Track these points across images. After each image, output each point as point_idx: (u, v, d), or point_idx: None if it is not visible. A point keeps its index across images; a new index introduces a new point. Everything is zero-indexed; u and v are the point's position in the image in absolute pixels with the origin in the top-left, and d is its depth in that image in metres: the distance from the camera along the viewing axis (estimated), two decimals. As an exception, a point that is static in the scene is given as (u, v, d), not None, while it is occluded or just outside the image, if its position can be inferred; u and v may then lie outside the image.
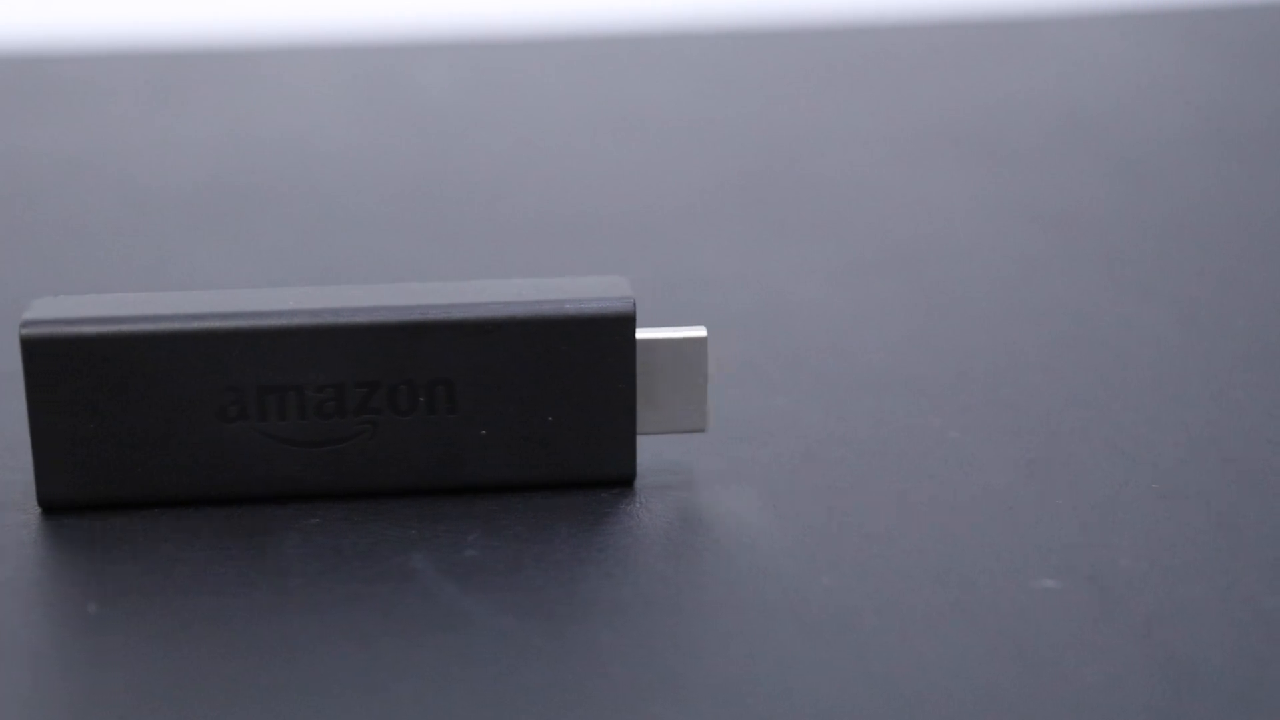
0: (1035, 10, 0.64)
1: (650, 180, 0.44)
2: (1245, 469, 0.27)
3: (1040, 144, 0.47)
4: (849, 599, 0.24)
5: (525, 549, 0.25)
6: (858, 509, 0.26)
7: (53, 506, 0.26)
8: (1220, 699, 0.22)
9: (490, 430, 0.26)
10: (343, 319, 0.26)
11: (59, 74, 0.55)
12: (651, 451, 0.28)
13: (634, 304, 0.26)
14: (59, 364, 0.25)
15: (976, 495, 0.27)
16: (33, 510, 0.26)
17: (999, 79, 0.55)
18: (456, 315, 0.26)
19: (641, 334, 0.26)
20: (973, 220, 0.41)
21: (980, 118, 0.50)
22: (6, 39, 0.59)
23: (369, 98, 0.53)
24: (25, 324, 0.26)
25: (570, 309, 0.26)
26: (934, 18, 0.64)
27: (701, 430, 0.27)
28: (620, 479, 0.27)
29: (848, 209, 0.42)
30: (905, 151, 0.46)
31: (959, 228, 0.40)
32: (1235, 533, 0.26)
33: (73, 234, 0.40)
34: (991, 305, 0.35)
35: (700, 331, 0.27)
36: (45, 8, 0.62)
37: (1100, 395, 0.30)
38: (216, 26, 0.62)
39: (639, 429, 0.27)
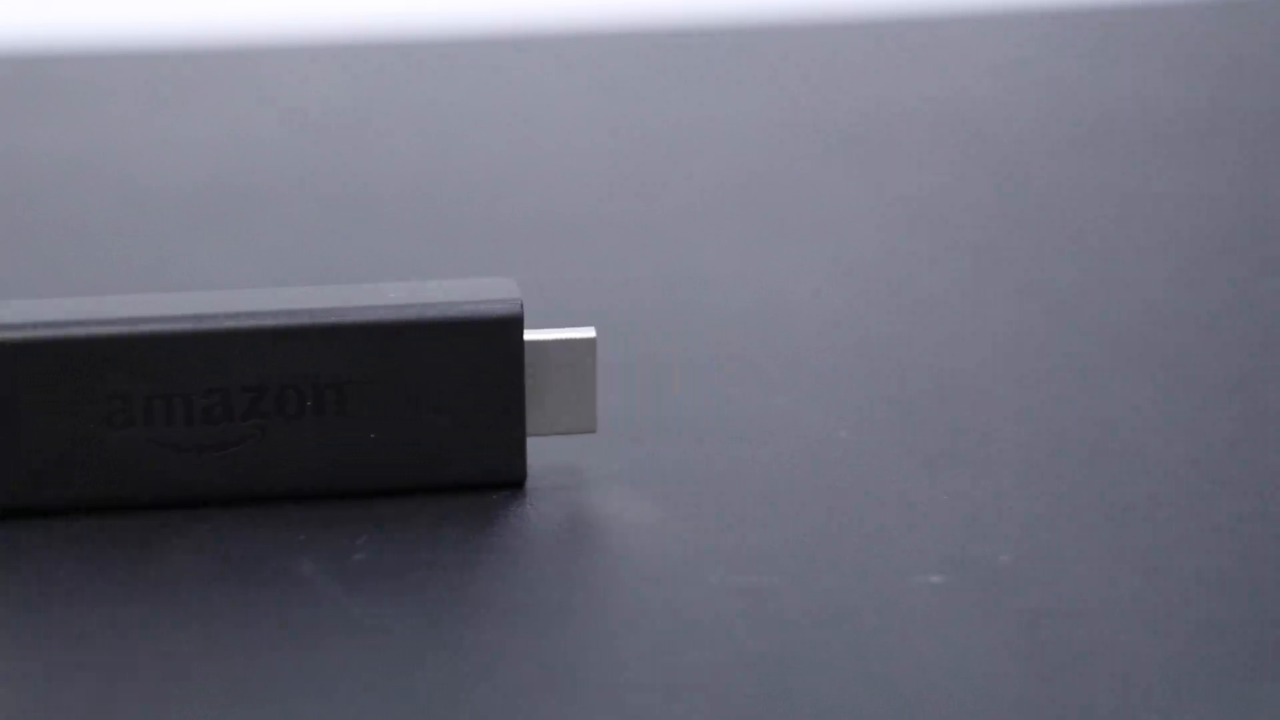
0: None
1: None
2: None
3: (921, 139, 0.47)
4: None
5: (415, 552, 0.25)
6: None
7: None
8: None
9: (380, 433, 0.26)
10: (228, 324, 0.26)
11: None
12: (541, 452, 0.27)
13: (521, 305, 0.26)
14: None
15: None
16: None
17: (916, 78, 0.55)
18: (344, 319, 0.26)
19: (529, 335, 0.26)
20: (854, 217, 0.41)
21: (870, 115, 0.50)
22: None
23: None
24: None
25: (458, 311, 0.26)
26: (849, 17, 0.64)
27: (591, 431, 0.27)
28: (510, 481, 0.27)
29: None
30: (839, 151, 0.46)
31: (847, 224, 0.40)
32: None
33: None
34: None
35: (589, 332, 0.27)
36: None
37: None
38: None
39: (529, 430, 0.27)
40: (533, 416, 0.27)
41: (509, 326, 0.26)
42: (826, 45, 0.60)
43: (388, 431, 0.26)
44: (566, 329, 0.27)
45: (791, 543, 0.25)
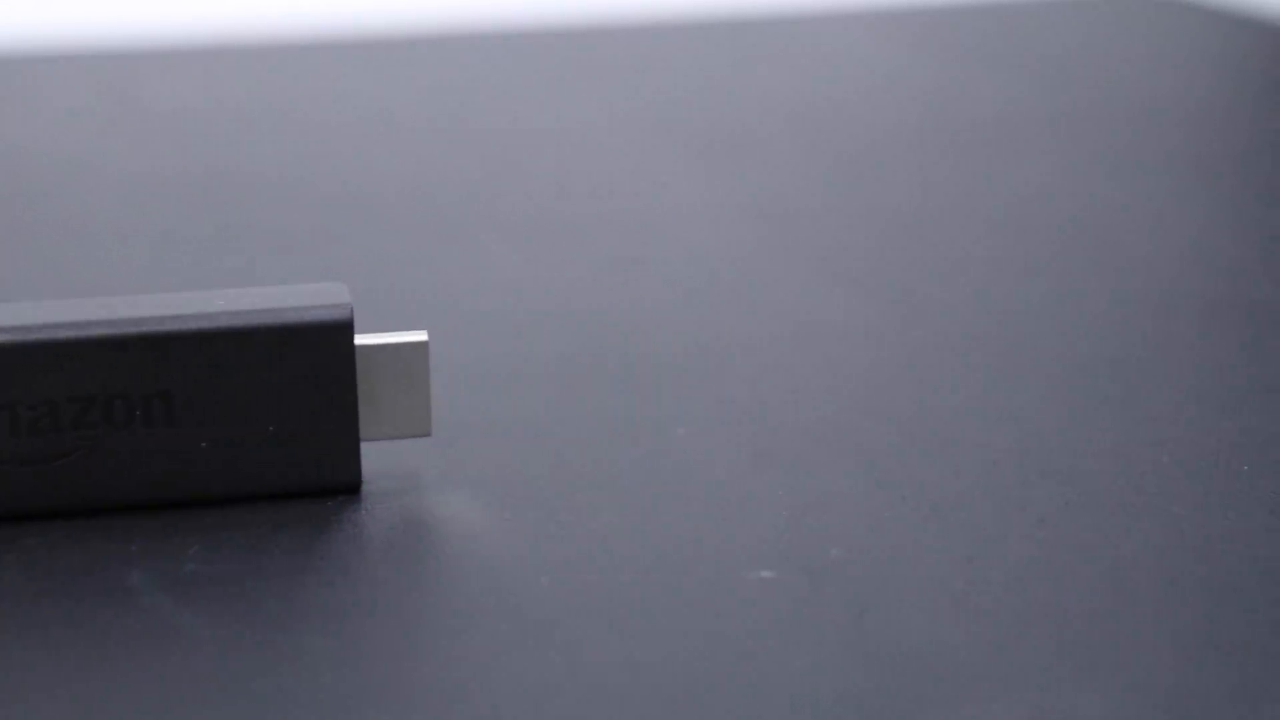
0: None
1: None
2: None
3: (774, 138, 0.47)
4: (682, 594, 0.24)
5: (246, 560, 0.25)
6: (691, 506, 0.27)
7: None
8: (1041, 691, 0.22)
9: (211, 442, 0.26)
10: (52, 335, 0.25)
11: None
12: (377, 457, 0.27)
13: (351, 310, 0.26)
14: None
15: (811, 490, 0.27)
16: None
17: (754, 77, 0.56)
18: (171, 327, 0.26)
19: (361, 340, 0.26)
20: (701, 217, 0.41)
21: (726, 114, 0.50)
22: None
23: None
24: None
25: (287, 318, 0.26)
26: (706, 17, 0.64)
27: (426, 434, 0.27)
28: (345, 486, 0.27)
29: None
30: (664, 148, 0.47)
31: (692, 223, 0.40)
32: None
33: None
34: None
35: (421, 336, 0.27)
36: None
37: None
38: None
39: (363, 435, 0.27)
40: (366, 421, 0.27)
41: (339, 332, 0.26)
42: (684, 45, 0.60)
43: (219, 440, 0.26)
44: (398, 333, 0.27)
45: (624, 541, 0.25)
